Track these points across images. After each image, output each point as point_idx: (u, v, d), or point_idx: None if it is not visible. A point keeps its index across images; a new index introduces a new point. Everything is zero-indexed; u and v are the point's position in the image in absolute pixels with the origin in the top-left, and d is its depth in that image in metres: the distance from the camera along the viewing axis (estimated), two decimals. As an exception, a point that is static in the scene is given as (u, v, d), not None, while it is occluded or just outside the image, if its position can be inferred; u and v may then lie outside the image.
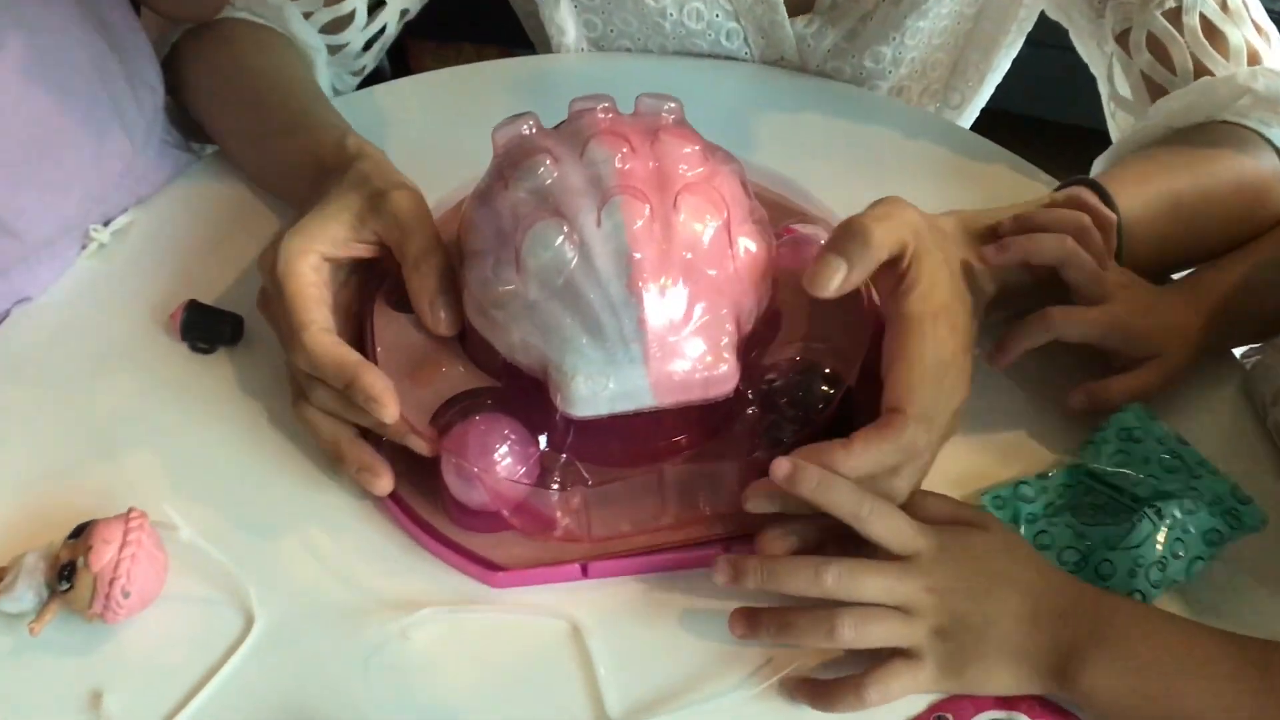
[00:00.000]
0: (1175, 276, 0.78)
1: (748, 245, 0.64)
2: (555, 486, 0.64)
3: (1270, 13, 0.83)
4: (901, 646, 0.61)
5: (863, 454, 0.61)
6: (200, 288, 0.78)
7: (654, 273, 0.60)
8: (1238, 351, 0.79)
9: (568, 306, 0.61)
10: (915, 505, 0.64)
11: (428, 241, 0.67)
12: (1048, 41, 0.99)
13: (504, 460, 0.63)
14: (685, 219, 0.61)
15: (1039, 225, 0.70)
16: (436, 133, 0.89)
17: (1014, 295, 0.71)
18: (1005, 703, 0.62)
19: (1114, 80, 0.87)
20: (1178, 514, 0.65)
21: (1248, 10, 0.81)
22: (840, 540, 0.62)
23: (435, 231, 0.68)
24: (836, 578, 0.60)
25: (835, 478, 0.61)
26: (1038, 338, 0.70)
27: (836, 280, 0.62)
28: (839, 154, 0.89)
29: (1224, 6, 0.80)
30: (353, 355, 0.64)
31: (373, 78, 0.97)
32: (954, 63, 1.01)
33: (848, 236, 0.63)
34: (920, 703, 0.62)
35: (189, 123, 0.89)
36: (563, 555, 0.66)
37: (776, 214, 0.69)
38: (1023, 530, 0.67)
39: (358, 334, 0.70)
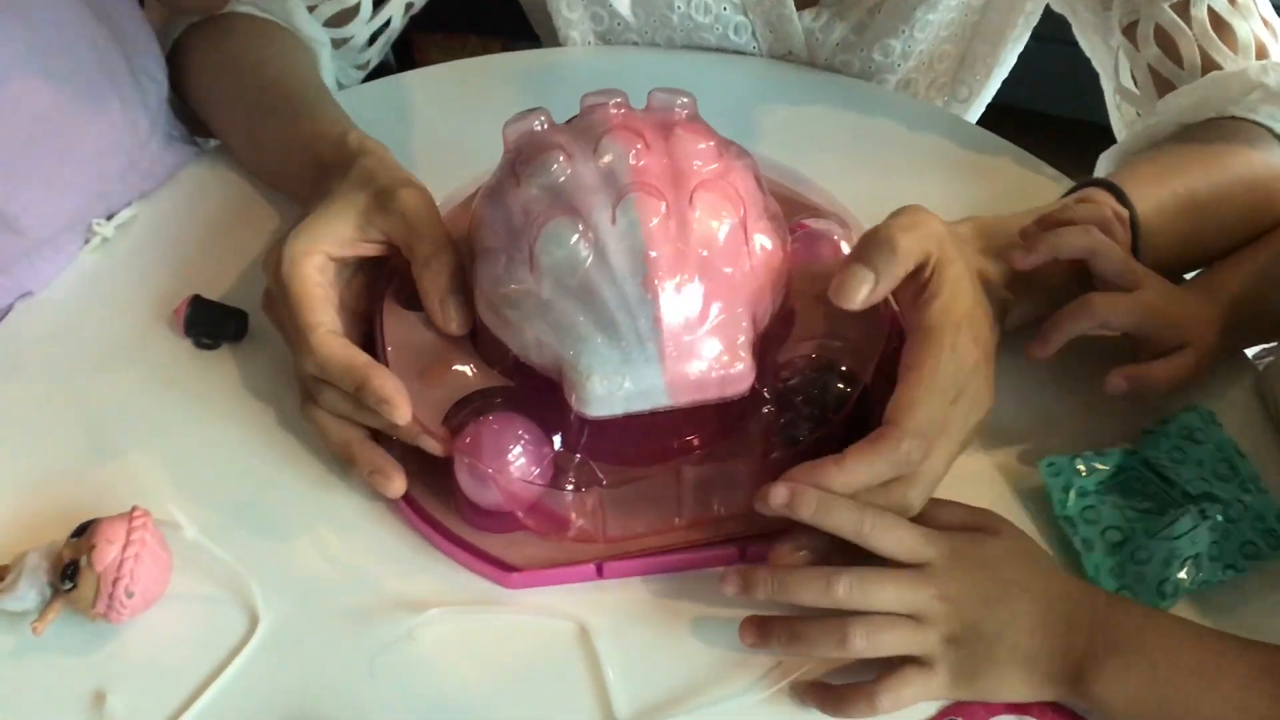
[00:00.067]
0: (1186, 276, 0.78)
1: (763, 242, 0.63)
2: (570, 487, 0.64)
3: (1277, 7, 0.83)
4: (914, 654, 0.61)
5: (855, 469, 0.60)
6: (204, 283, 0.78)
7: (670, 271, 0.60)
8: (1250, 352, 0.79)
9: (582, 305, 0.60)
10: (926, 513, 0.63)
11: (437, 240, 0.66)
12: (1053, 36, 0.98)
13: (518, 461, 0.63)
14: (701, 216, 0.61)
15: (1062, 223, 0.69)
16: (442, 127, 0.89)
17: (1034, 301, 0.71)
18: (1018, 708, 0.61)
19: (1119, 74, 0.87)
20: (1220, 518, 0.65)
21: (1255, 4, 0.81)
22: (852, 546, 0.62)
23: (444, 229, 0.67)
24: (848, 588, 0.60)
25: (834, 499, 0.60)
26: (1079, 325, 0.69)
27: (864, 291, 0.62)
28: (846, 148, 0.88)
29: (1232, 0, 0.80)
30: (361, 357, 0.64)
31: (378, 71, 0.97)
32: (961, 56, 1.00)
33: (874, 247, 0.62)
34: (932, 707, 0.62)
35: (193, 116, 0.88)
36: (577, 556, 0.65)
37: (788, 209, 0.69)
38: (1071, 501, 0.67)
39: (364, 333, 0.69)
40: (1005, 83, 1.06)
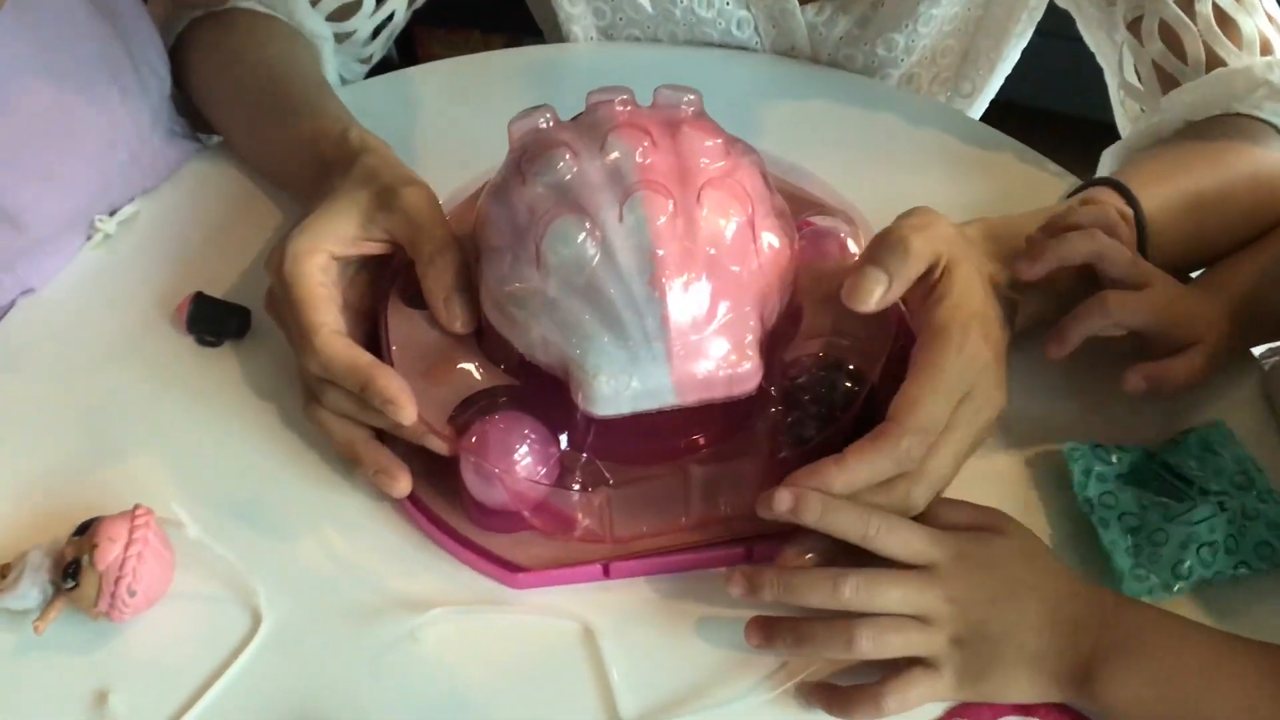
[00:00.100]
0: (1191, 276, 0.78)
1: (771, 240, 0.63)
2: (576, 487, 0.64)
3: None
4: (920, 655, 0.60)
5: (855, 467, 0.60)
6: (206, 280, 0.77)
7: (677, 269, 0.59)
8: (1256, 351, 0.78)
9: (589, 304, 0.60)
10: (932, 514, 0.63)
11: (441, 238, 0.66)
12: (1057, 32, 0.98)
13: (524, 460, 0.62)
14: (708, 214, 0.61)
15: (1068, 227, 0.69)
16: (445, 123, 0.88)
17: (1043, 302, 0.71)
18: (1024, 709, 0.61)
19: (1123, 69, 0.87)
20: (1239, 512, 0.65)
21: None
22: (858, 548, 0.61)
23: (448, 227, 0.67)
24: (854, 590, 0.59)
25: (838, 503, 0.60)
26: (1094, 324, 0.69)
27: (878, 293, 0.61)
28: (849, 145, 0.88)
29: None
30: (365, 357, 0.64)
31: (380, 66, 0.97)
32: (965, 50, 1.00)
33: (886, 248, 0.62)
34: (938, 708, 0.62)
35: (195, 111, 0.88)
36: (583, 556, 0.65)
37: (793, 206, 0.68)
38: (1091, 486, 0.67)
39: (368, 331, 0.69)
40: (1009, 79, 1.06)
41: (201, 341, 0.75)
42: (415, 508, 0.67)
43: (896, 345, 0.65)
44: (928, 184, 0.86)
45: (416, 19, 0.97)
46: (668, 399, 0.61)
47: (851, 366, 0.65)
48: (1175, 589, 0.64)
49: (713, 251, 0.60)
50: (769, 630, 0.61)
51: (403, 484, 0.65)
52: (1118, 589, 0.64)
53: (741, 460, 0.65)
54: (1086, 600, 0.61)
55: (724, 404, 0.62)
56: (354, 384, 0.63)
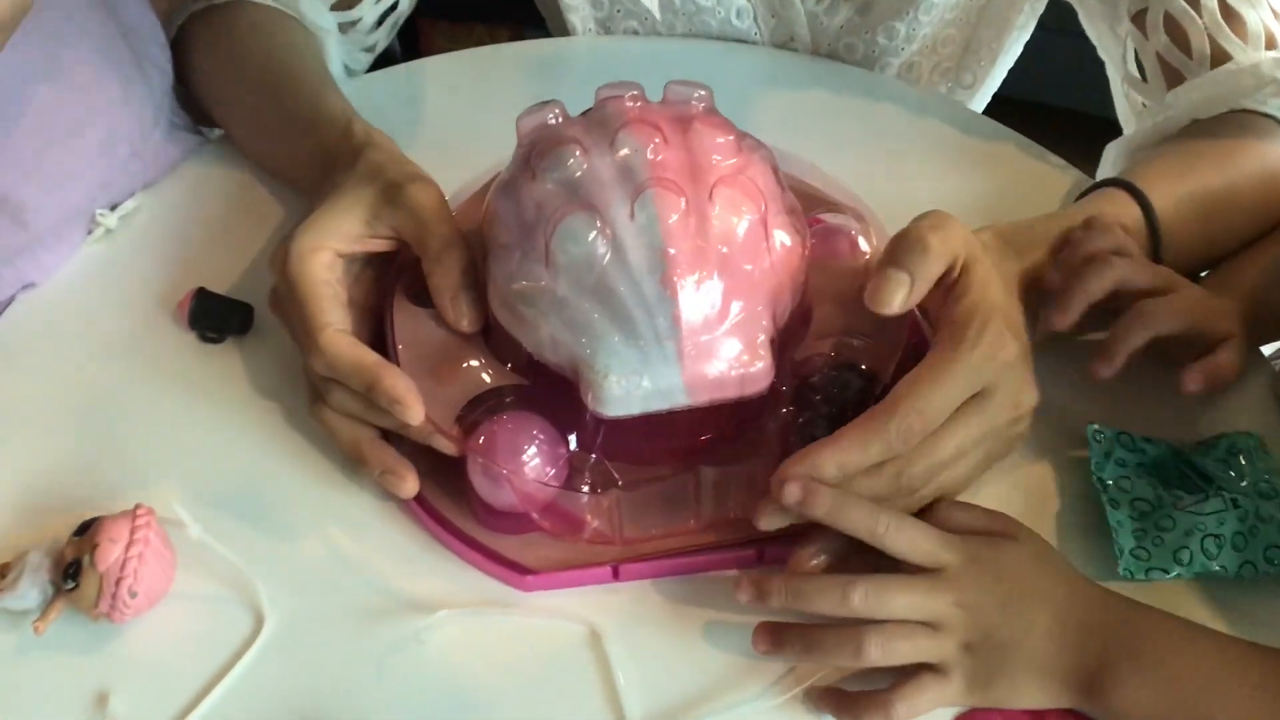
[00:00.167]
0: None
1: (783, 239, 0.62)
2: (585, 488, 0.63)
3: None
4: (929, 661, 0.60)
5: (844, 447, 0.59)
6: (209, 275, 0.77)
7: (689, 268, 0.59)
8: (1266, 350, 0.78)
9: (599, 303, 0.60)
10: (943, 516, 0.62)
11: (448, 235, 0.66)
12: (1060, 28, 0.98)
13: (533, 461, 0.62)
14: (721, 212, 0.60)
15: (1080, 259, 0.69)
16: (448, 118, 0.88)
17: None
18: (1034, 714, 0.61)
19: (1127, 62, 0.87)
20: (1252, 512, 0.65)
21: None
22: (872, 549, 0.61)
23: (455, 224, 0.66)
24: (864, 597, 0.59)
25: (848, 498, 0.59)
26: (1138, 337, 0.68)
27: (901, 294, 0.61)
28: (851, 139, 0.88)
29: None
30: (372, 356, 0.63)
31: (383, 60, 0.96)
32: (967, 41, 1.00)
33: (905, 248, 0.61)
34: (946, 712, 0.61)
35: (197, 105, 0.87)
36: (592, 557, 0.64)
37: (802, 203, 0.68)
38: (1108, 470, 0.67)
39: (373, 329, 0.68)
40: (1012, 75, 1.06)
41: (203, 338, 0.74)
42: (421, 508, 0.66)
43: (909, 345, 0.64)
44: (930, 177, 0.85)
45: (419, 11, 0.96)
46: (679, 399, 0.61)
47: (864, 366, 0.65)
48: (1172, 574, 0.64)
49: (725, 250, 0.60)
50: (777, 636, 0.61)
51: (410, 484, 0.65)
52: (1115, 565, 0.65)
53: (752, 461, 0.64)
54: (1097, 607, 0.61)
55: (735, 404, 0.62)
56: (360, 383, 0.62)
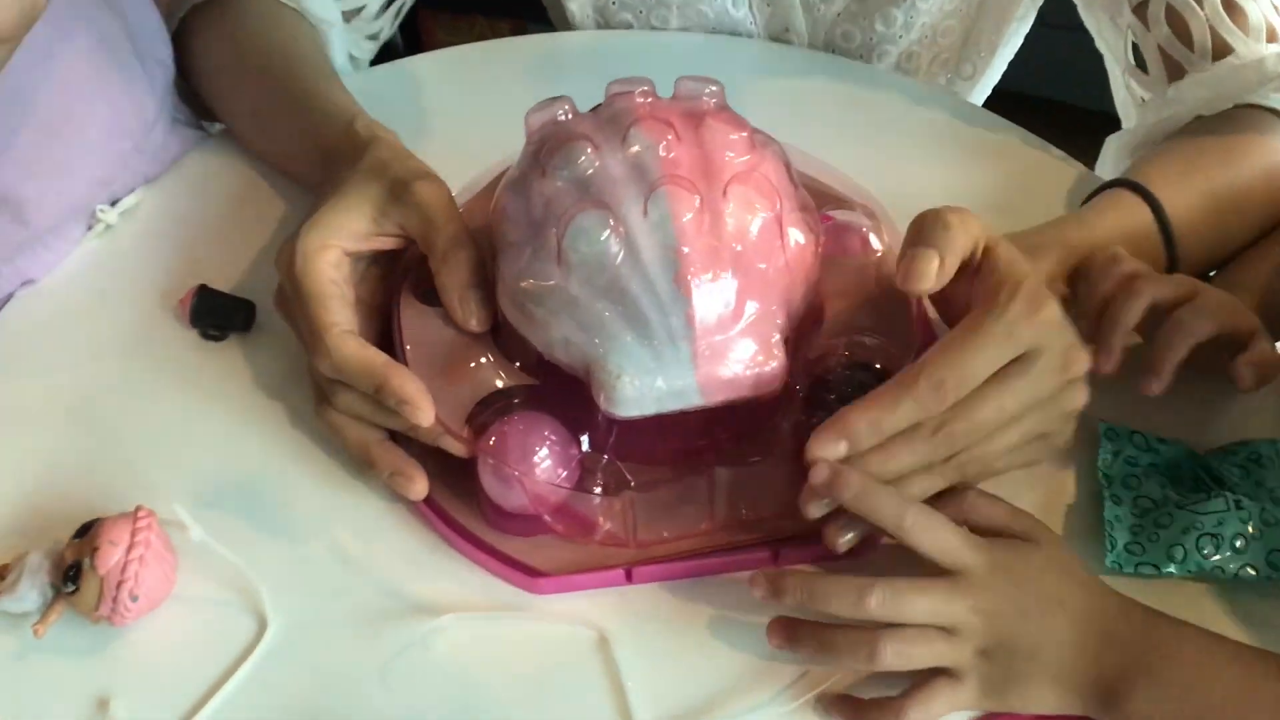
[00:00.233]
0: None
1: (797, 236, 0.62)
2: (598, 490, 0.63)
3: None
4: (944, 666, 0.59)
5: (874, 406, 0.58)
6: (211, 272, 0.76)
7: (703, 267, 0.58)
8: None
9: (612, 303, 0.59)
10: (969, 505, 0.62)
11: (456, 233, 0.65)
12: (1060, 23, 0.97)
13: (544, 463, 0.61)
14: (735, 209, 0.59)
15: (1100, 300, 0.68)
16: (451, 113, 0.87)
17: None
18: (1047, 720, 0.60)
19: (1128, 54, 0.87)
20: (1257, 514, 0.64)
21: None
22: None
23: (463, 222, 0.66)
24: (881, 602, 0.58)
25: (876, 486, 0.58)
26: (1182, 349, 0.67)
27: (932, 269, 0.60)
28: (851, 133, 0.87)
29: None
30: (380, 357, 0.62)
31: (385, 53, 0.95)
32: (966, 32, 0.99)
33: (927, 226, 0.61)
34: (960, 715, 0.61)
35: (198, 98, 0.86)
36: (605, 560, 0.64)
37: (812, 199, 0.67)
38: (1116, 467, 0.67)
39: (379, 328, 0.68)
40: (1011, 68, 1.05)
41: (205, 336, 0.74)
42: (430, 510, 0.65)
43: (922, 344, 0.63)
44: (932, 172, 0.85)
45: (421, 1, 0.96)
46: (693, 400, 0.60)
47: (877, 365, 0.64)
48: (1164, 570, 0.64)
49: (739, 248, 0.59)
50: (791, 633, 0.60)
51: (420, 486, 0.64)
52: (1104, 559, 0.64)
53: (766, 461, 0.64)
54: (1116, 616, 0.60)
55: (748, 403, 0.61)
56: (369, 385, 0.62)
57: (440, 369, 0.64)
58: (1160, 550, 0.64)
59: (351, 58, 0.92)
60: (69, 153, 0.74)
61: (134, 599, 0.60)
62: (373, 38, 0.93)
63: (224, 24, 0.83)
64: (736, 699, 0.61)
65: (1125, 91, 0.90)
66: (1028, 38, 1.02)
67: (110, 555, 0.60)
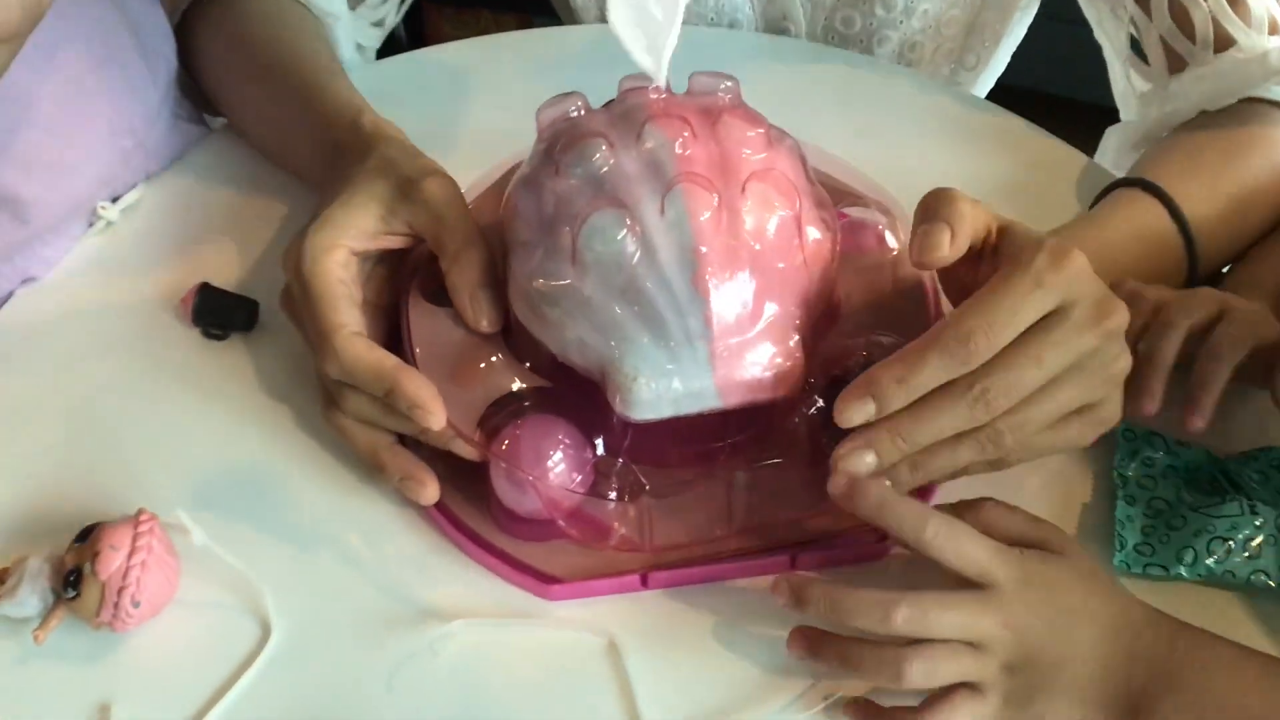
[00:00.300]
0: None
1: (815, 235, 0.61)
2: (613, 494, 0.62)
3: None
4: (968, 680, 0.58)
5: (903, 359, 0.56)
6: (213, 269, 0.75)
7: (721, 267, 0.58)
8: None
9: (628, 303, 0.58)
10: (990, 518, 0.60)
11: (466, 232, 0.64)
12: (1064, 16, 0.97)
13: (558, 467, 0.60)
14: (753, 208, 0.59)
15: (1131, 334, 0.65)
16: (457, 108, 0.87)
17: None
18: (1064, 729, 0.59)
19: (1129, 45, 0.87)
20: (1272, 524, 0.63)
21: None
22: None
23: (473, 221, 0.65)
24: (907, 620, 0.56)
25: (898, 496, 0.58)
26: (1221, 378, 0.66)
27: (945, 242, 0.58)
28: (851, 127, 0.86)
29: None
30: (389, 359, 0.61)
31: (390, 47, 0.95)
32: (970, 22, 0.99)
33: (936, 203, 0.60)
34: (980, 725, 0.60)
35: (200, 93, 0.86)
36: (620, 566, 0.63)
37: (829, 196, 0.67)
38: (1131, 467, 0.67)
39: (386, 329, 0.67)
40: (1014, 61, 1.05)
41: (207, 334, 0.73)
42: (440, 514, 0.65)
43: None
44: (934, 162, 0.84)
45: (426, -5, 0.96)
46: (711, 402, 0.59)
47: None
48: (1173, 572, 0.63)
49: (758, 248, 0.59)
50: (813, 645, 0.59)
51: (431, 490, 0.63)
52: (1113, 559, 0.64)
53: (784, 464, 0.63)
54: (1143, 630, 0.59)
55: (765, 405, 0.60)
56: (378, 388, 0.61)
57: (450, 371, 0.63)
58: (1170, 552, 0.64)
59: (360, 47, 0.91)
60: (70, 151, 0.74)
61: (136, 605, 0.59)
62: (379, 24, 0.92)
63: (228, 18, 0.82)
64: (748, 707, 0.60)
65: (1125, 82, 0.90)
66: (1027, 31, 1.02)
67: (111, 560, 0.59)
